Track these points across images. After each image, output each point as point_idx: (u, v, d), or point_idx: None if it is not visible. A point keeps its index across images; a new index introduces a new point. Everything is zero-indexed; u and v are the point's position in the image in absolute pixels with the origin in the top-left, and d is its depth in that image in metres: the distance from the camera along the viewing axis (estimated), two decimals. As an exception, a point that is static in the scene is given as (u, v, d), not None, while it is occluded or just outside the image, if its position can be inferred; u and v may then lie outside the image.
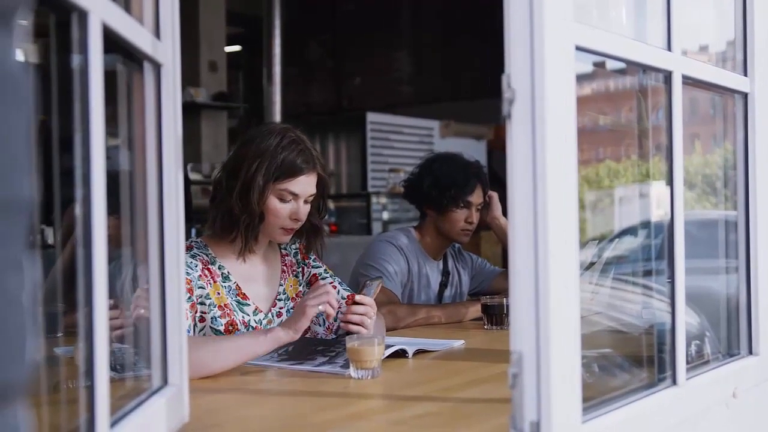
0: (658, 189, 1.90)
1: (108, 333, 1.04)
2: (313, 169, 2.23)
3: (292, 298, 2.36)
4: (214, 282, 2.20)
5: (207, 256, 2.23)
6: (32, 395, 0.69)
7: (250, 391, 1.82)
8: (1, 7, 0.57)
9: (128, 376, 1.48)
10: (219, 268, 2.23)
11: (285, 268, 2.39)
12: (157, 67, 1.35)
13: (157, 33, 1.36)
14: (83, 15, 1.00)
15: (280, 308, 2.32)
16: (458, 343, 2.36)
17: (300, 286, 2.40)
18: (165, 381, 1.38)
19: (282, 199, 2.20)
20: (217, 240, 2.26)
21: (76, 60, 1.02)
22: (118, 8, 1.12)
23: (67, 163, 1.03)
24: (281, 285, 2.35)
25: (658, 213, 1.96)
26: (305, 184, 2.21)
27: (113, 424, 1.10)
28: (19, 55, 0.60)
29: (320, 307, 1.99)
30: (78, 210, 1.02)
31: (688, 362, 1.56)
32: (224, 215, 2.21)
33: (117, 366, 1.36)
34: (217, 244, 2.26)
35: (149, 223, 1.37)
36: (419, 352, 2.18)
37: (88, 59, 1.01)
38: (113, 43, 1.12)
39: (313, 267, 2.44)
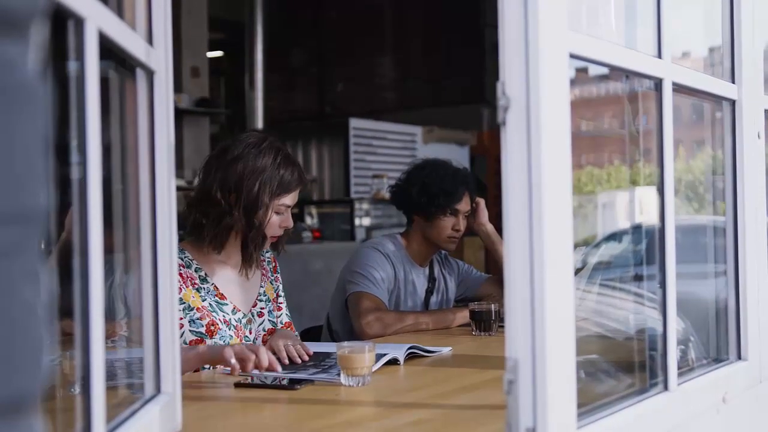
0: (641, 195, 1.91)
1: (104, 342, 1.04)
2: (304, 180, 2.36)
3: (272, 300, 2.45)
4: (187, 287, 2.24)
5: (182, 259, 2.25)
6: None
7: (242, 399, 1.81)
8: (16, 17, 0.57)
9: (118, 384, 1.47)
10: (196, 271, 2.28)
11: (264, 271, 2.47)
12: (150, 74, 1.35)
13: (149, 40, 1.35)
14: (80, 22, 0.99)
15: (261, 308, 2.40)
16: (446, 350, 2.36)
17: (274, 292, 2.48)
18: (158, 389, 1.37)
19: (277, 213, 2.29)
20: (199, 245, 2.30)
21: (71, 66, 1.02)
22: (113, 15, 1.12)
23: (62, 170, 1.03)
24: (262, 287, 2.43)
25: (642, 219, 1.98)
26: (296, 195, 2.34)
27: (108, 433, 1.09)
28: (35, 64, 0.59)
29: (233, 360, 1.92)
30: (74, 217, 1.01)
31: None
32: (225, 231, 2.25)
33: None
34: (199, 248, 2.31)
35: (142, 230, 1.36)
36: (411, 357, 2.19)
37: (84, 66, 1.00)
38: (107, 49, 1.11)
39: (279, 283, 2.53)
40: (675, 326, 1.55)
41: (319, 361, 2.13)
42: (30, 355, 0.57)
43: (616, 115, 1.97)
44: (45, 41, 0.63)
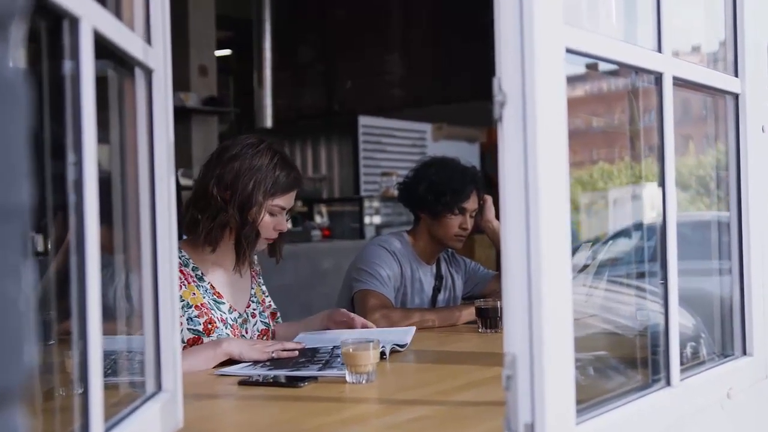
0: (651, 190, 1.90)
1: (101, 339, 1.04)
2: (300, 184, 2.38)
3: (261, 302, 2.48)
4: (189, 283, 2.27)
5: (180, 258, 2.27)
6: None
7: (244, 397, 1.81)
8: None
9: (120, 381, 1.48)
10: (193, 270, 2.31)
11: (254, 274, 2.51)
12: (148, 73, 1.35)
13: (148, 39, 1.35)
14: (75, 21, 1.00)
15: (254, 310, 2.44)
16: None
17: (262, 294, 2.52)
18: (159, 387, 1.38)
19: (271, 214, 2.32)
20: (195, 244, 2.33)
21: (67, 66, 1.02)
22: (109, 14, 1.12)
23: (58, 169, 1.03)
24: (252, 288, 2.47)
25: (651, 215, 1.97)
26: (292, 199, 2.36)
27: (107, 430, 1.10)
28: (16, 62, 0.60)
29: (274, 354, 2.13)
30: (71, 217, 1.01)
31: (683, 364, 1.56)
32: (219, 227, 2.28)
33: (107, 371, 1.35)
34: (195, 247, 2.34)
35: (142, 230, 1.36)
36: (416, 354, 2.20)
37: (79, 65, 1.01)
38: (104, 48, 1.12)
39: (263, 285, 2.55)
40: (677, 321, 1.54)
41: (312, 357, 2.13)
42: (10, 349, 0.58)
43: (627, 111, 1.97)
44: (25, 39, 0.63)
